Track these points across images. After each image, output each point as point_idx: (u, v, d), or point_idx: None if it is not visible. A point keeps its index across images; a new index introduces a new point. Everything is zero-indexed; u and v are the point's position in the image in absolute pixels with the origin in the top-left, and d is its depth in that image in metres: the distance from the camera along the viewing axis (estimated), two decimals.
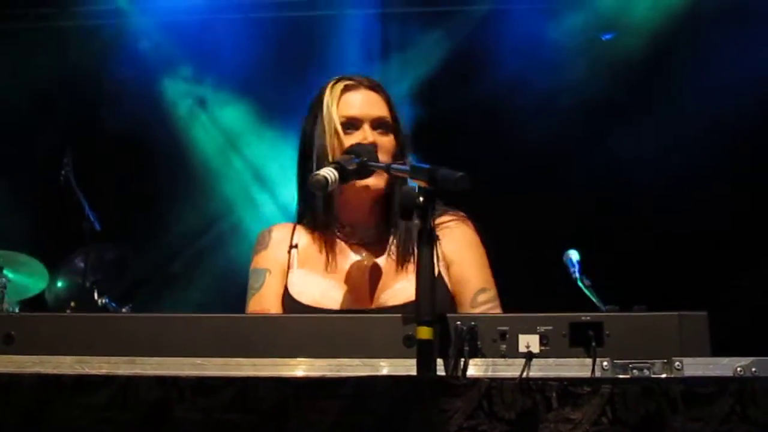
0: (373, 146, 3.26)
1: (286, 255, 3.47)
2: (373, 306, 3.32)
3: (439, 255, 3.34)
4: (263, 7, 8.65)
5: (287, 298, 3.35)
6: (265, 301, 3.38)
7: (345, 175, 2.93)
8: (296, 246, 3.48)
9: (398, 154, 3.39)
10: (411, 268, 3.34)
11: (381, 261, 3.42)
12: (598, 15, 7.99)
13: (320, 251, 3.45)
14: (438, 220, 3.41)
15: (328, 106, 3.41)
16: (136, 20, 8.67)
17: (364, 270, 3.41)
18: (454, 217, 3.48)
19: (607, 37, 8.04)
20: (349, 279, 3.39)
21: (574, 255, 4.92)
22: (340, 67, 7.77)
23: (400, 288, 3.30)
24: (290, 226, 3.57)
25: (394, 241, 3.42)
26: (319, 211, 3.44)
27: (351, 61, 7.96)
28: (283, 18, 8.63)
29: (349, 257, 3.44)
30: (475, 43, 8.00)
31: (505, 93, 7.56)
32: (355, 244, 3.47)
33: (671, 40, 7.76)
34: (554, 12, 7.98)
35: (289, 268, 3.44)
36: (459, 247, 3.43)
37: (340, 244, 3.46)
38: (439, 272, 3.31)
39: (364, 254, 3.45)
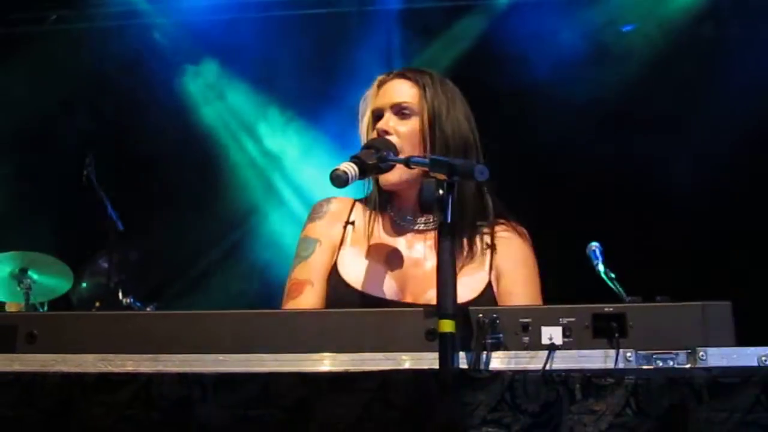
0: (385, 133, 3.27)
1: (341, 230, 3.44)
2: (420, 302, 3.25)
3: (493, 265, 3.33)
4: (284, 5, 8.65)
5: (334, 275, 3.32)
6: (310, 270, 3.35)
7: (365, 169, 2.93)
8: (353, 223, 3.45)
9: (425, 142, 3.31)
10: (464, 268, 3.29)
11: (433, 256, 3.31)
12: (620, 9, 7.97)
13: (375, 234, 3.41)
14: (495, 229, 3.41)
15: (362, 106, 3.45)
16: (156, 21, 8.69)
17: (414, 263, 3.36)
18: (511, 230, 3.44)
19: (628, 28, 8.01)
20: (399, 270, 3.34)
21: (597, 247, 4.88)
22: (362, 66, 7.78)
23: None
24: (350, 201, 3.52)
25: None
26: (375, 196, 3.45)
27: (371, 58, 7.95)
28: (304, 15, 8.63)
29: (403, 246, 3.40)
30: (498, 37, 7.98)
31: (528, 88, 7.54)
32: (410, 233, 3.41)
33: (696, 36, 7.74)
34: (577, 5, 7.96)
35: (341, 243, 3.40)
36: (511, 262, 3.38)
37: (397, 231, 3.42)
38: (490, 281, 3.31)
39: (417, 246, 3.40)
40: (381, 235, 3.42)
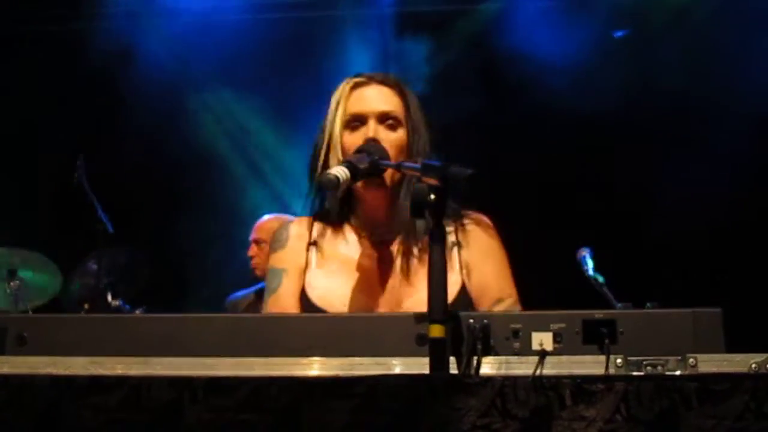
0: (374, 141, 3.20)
1: (304, 253, 3.34)
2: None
3: (462, 263, 3.26)
4: (278, 8, 8.64)
5: (304, 300, 3.24)
6: (281, 302, 3.26)
7: (356, 174, 2.91)
8: (315, 243, 3.36)
9: (409, 153, 3.25)
10: None
11: (404, 264, 3.28)
12: (614, 12, 7.97)
13: (340, 250, 3.33)
14: (458, 224, 3.35)
15: (333, 105, 3.34)
16: (148, 22, 8.67)
17: (384, 274, 3.30)
18: (474, 222, 3.37)
19: (619, 34, 8.01)
20: (371, 283, 3.28)
21: (588, 253, 4.90)
22: (352, 69, 7.77)
23: (425, 296, 3.13)
24: (307, 221, 3.42)
25: (417, 244, 3.28)
26: (334, 209, 3.35)
27: (360, 62, 7.95)
28: (297, 18, 8.62)
29: (371, 259, 3.32)
30: (492, 41, 7.98)
31: (520, 93, 7.55)
32: (377, 244, 3.33)
33: (689, 37, 7.75)
34: (570, 7, 7.96)
35: (307, 266, 3.32)
36: (478, 254, 3.31)
37: (362, 244, 3.34)
38: (463, 283, 3.25)
39: (386, 256, 3.32)
40: (346, 251, 3.34)
